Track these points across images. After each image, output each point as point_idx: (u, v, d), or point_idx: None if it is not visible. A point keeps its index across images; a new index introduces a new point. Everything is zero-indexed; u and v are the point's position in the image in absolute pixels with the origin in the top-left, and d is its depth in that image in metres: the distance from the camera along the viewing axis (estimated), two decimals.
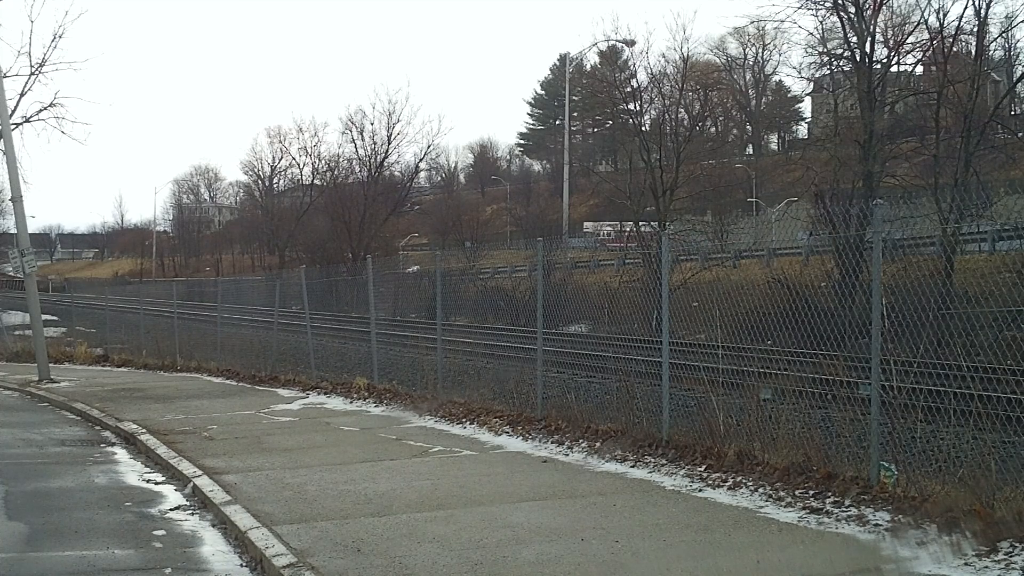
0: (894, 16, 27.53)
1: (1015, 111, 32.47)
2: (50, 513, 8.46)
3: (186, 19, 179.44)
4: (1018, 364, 8.87)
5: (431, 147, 68.47)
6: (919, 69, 30.64)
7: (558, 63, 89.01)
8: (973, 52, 25.64)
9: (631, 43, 37.08)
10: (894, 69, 28.92)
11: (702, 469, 8.84)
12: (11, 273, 38.46)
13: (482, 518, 7.55)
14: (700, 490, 8.29)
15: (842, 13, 25.91)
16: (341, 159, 64.58)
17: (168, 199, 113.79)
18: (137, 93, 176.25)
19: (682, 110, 37.64)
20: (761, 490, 8.05)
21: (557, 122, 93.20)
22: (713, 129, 68.74)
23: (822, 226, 22.93)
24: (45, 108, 24.33)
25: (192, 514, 8.50)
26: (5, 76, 21.01)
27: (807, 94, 63.35)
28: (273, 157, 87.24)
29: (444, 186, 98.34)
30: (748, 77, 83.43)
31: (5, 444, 12.55)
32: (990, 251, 20.15)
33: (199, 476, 9.58)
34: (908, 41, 27.25)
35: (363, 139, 59.93)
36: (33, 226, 56.68)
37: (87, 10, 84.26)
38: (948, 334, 11.09)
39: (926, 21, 26.02)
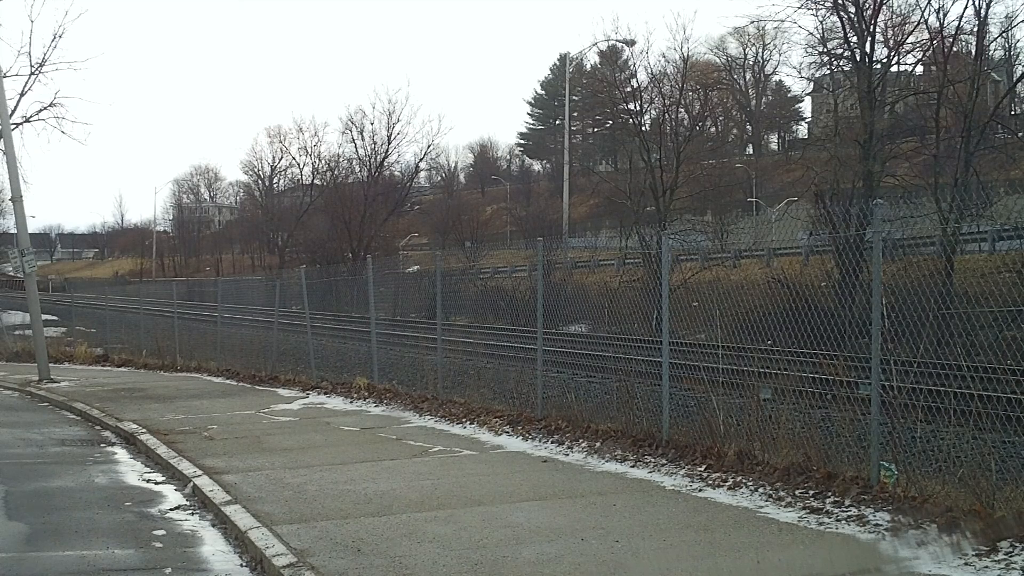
0: (894, 16, 27.49)
1: (1015, 111, 32.45)
2: (50, 513, 8.46)
3: (186, 19, 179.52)
4: (1018, 364, 8.87)
5: (431, 147, 68.46)
6: (919, 69, 30.63)
7: (558, 63, 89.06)
8: (973, 52, 25.63)
9: (631, 43, 37.10)
10: (894, 69, 28.93)
11: (702, 469, 8.84)
12: (11, 273, 38.51)
13: (482, 518, 7.55)
14: (700, 490, 8.29)
15: (842, 13, 25.92)
16: (341, 159, 64.68)
17: (168, 199, 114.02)
18: (137, 93, 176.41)
19: (682, 110, 37.62)
20: (761, 490, 8.05)
21: (557, 122, 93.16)
22: (713, 129, 68.68)
23: (822, 226, 22.93)
24: (45, 108, 24.37)
25: (192, 514, 8.50)
26: (5, 76, 21.03)
27: (807, 94, 63.43)
28: (273, 157, 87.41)
29: (444, 186, 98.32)
30: (748, 77, 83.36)
31: (5, 444, 12.54)
32: (990, 251, 20.17)
33: (199, 476, 9.57)
34: (908, 41, 27.23)
35: (363, 139, 60.02)
36: (33, 226, 56.68)
37: (87, 10, 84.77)
38: (948, 334, 11.10)
39: (926, 21, 26.00)
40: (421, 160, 64.75)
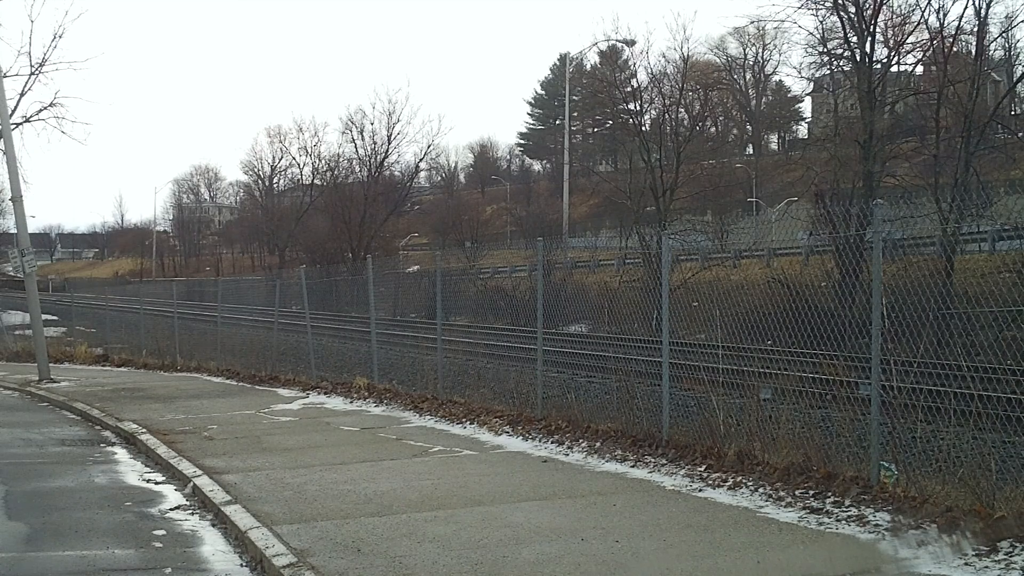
0: (894, 16, 27.51)
1: (1015, 111, 32.47)
2: (50, 513, 8.45)
3: (186, 19, 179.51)
4: (1018, 364, 8.88)
5: (431, 147, 68.66)
6: (919, 69, 30.67)
7: (558, 63, 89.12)
8: (973, 52, 25.64)
9: (631, 43, 37.14)
10: (894, 69, 28.96)
11: (702, 469, 8.84)
12: (11, 273, 38.48)
13: (482, 518, 7.55)
14: (700, 490, 8.29)
15: (842, 13, 25.94)
16: (341, 159, 64.72)
17: (168, 199, 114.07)
18: (137, 93, 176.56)
19: (682, 110, 37.63)
20: (761, 490, 8.05)
21: (557, 122, 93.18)
22: (713, 129, 68.77)
23: (822, 226, 22.92)
24: (45, 108, 24.40)
25: (192, 514, 8.50)
26: (5, 76, 21.02)
27: (807, 94, 63.54)
28: (273, 157, 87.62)
29: (444, 186, 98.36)
30: (748, 77, 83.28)
31: (5, 444, 12.55)
32: (990, 251, 20.17)
33: (199, 476, 9.58)
34: (908, 41, 27.26)
35: (363, 139, 60.08)
36: (33, 226, 56.75)
37: (87, 10, 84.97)
38: (948, 334, 11.10)
39: (926, 21, 26.02)
40: (421, 160, 64.83)
